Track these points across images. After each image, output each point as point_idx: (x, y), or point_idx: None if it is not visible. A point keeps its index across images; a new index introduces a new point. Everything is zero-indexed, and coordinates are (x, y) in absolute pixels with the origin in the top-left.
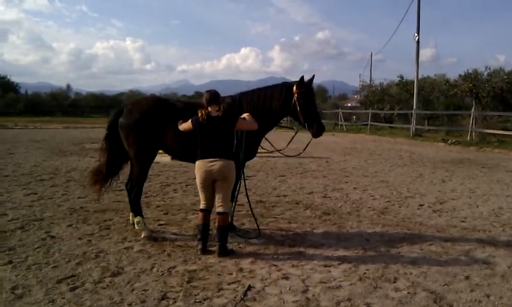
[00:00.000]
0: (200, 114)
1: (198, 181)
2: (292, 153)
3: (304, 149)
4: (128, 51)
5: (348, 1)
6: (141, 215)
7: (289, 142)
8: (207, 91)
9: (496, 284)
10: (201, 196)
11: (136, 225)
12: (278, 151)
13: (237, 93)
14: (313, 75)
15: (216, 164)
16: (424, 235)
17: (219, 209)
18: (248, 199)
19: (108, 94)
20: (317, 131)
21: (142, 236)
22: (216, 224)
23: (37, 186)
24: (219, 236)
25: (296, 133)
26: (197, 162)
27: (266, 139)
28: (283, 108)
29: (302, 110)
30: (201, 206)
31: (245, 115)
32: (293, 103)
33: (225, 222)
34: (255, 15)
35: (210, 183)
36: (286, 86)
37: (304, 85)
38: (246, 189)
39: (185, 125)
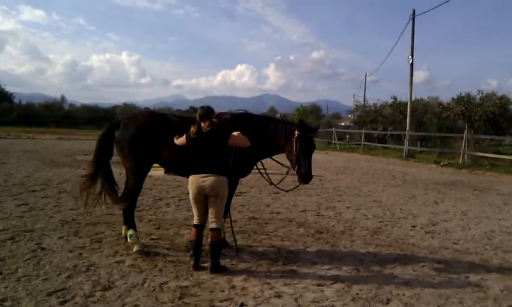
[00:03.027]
0: (191, 129)
1: (190, 196)
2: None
3: (292, 189)
4: (124, 65)
5: (343, 22)
6: (134, 229)
7: (281, 180)
8: (201, 107)
9: None
10: (194, 211)
11: (128, 238)
12: (271, 183)
13: (238, 110)
14: (319, 124)
15: (207, 180)
16: (417, 256)
17: (212, 225)
18: (230, 212)
19: (102, 107)
20: (302, 177)
21: (134, 249)
22: (209, 240)
23: (28, 197)
24: (212, 252)
25: (287, 173)
26: (190, 177)
27: (262, 164)
28: (283, 147)
29: (296, 152)
30: (195, 221)
31: (236, 133)
32: (291, 144)
33: (218, 238)
34: (251, 34)
35: (203, 199)
36: (290, 127)
37: (306, 130)
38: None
39: (179, 140)
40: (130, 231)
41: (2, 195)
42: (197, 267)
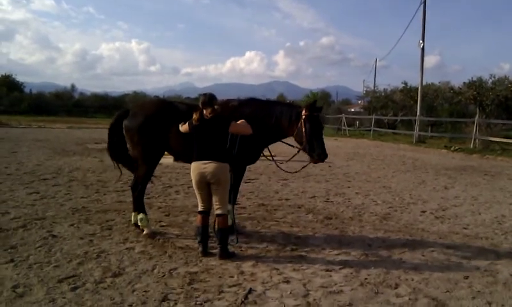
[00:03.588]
0: (194, 117)
1: (193, 182)
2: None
3: (301, 169)
4: (134, 53)
5: (353, 8)
6: (145, 213)
7: (290, 159)
8: (203, 94)
9: (498, 291)
10: (198, 198)
11: (139, 221)
12: (277, 166)
13: (246, 97)
14: (323, 105)
15: (208, 167)
16: (426, 241)
17: (217, 211)
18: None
19: (112, 95)
20: (319, 156)
21: (144, 232)
22: (215, 226)
23: (40, 185)
24: (219, 238)
25: (298, 152)
26: (192, 164)
27: (269, 150)
28: (290, 130)
29: (306, 133)
30: (199, 208)
31: (240, 121)
32: (299, 126)
33: (224, 224)
34: (261, 20)
35: (205, 185)
36: (296, 109)
37: (314, 109)
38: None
39: (183, 127)
40: (141, 215)
41: (13, 183)
42: (205, 253)
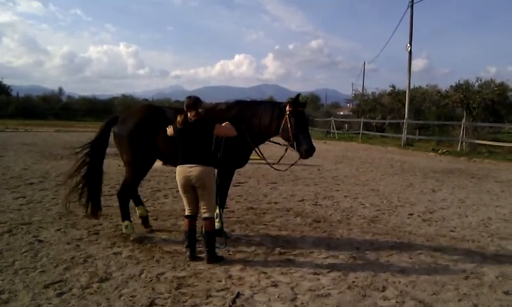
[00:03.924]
0: (178, 119)
1: (178, 186)
2: (280, 164)
3: (290, 166)
4: (122, 56)
5: (341, 10)
6: (129, 220)
7: (280, 159)
8: (188, 97)
9: (484, 294)
10: (184, 202)
11: (124, 229)
12: (268, 163)
13: (233, 100)
14: (307, 98)
15: (193, 170)
16: (414, 244)
17: (204, 215)
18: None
19: (101, 99)
20: (306, 152)
21: (131, 239)
22: (202, 229)
23: (26, 189)
24: (206, 242)
25: (286, 150)
26: (177, 168)
27: (257, 151)
28: (276, 127)
29: (292, 129)
30: (186, 212)
31: (224, 123)
32: (284, 122)
33: (211, 227)
34: (249, 22)
35: (190, 188)
36: (279, 106)
37: (298, 104)
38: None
39: (169, 130)
40: (126, 222)
41: None
42: (193, 258)
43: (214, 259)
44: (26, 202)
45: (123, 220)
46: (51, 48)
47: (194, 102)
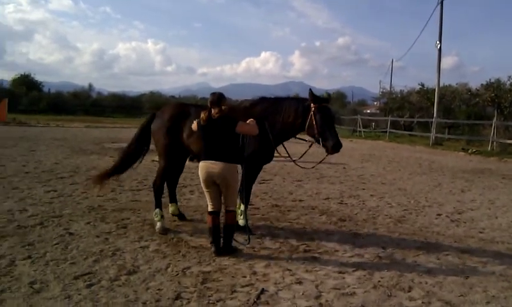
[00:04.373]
0: (201, 116)
1: (201, 181)
2: (307, 162)
3: (317, 164)
4: (150, 53)
5: (369, 8)
6: (160, 208)
7: (303, 155)
8: (212, 93)
9: None
10: (207, 198)
11: (154, 216)
12: (292, 160)
13: (257, 97)
14: (328, 95)
15: (216, 167)
16: (441, 244)
17: (227, 208)
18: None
19: (129, 95)
20: (333, 147)
21: (156, 227)
22: (223, 221)
23: (57, 183)
24: (225, 233)
25: (310, 146)
26: (200, 163)
27: (281, 148)
28: (301, 123)
29: (318, 125)
30: (209, 208)
31: (249, 120)
32: (309, 119)
33: (232, 220)
34: (276, 19)
35: (212, 184)
36: (303, 102)
37: (321, 100)
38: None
39: (193, 126)
40: (156, 210)
41: (32, 181)
42: (218, 253)
43: (228, 250)
44: (57, 195)
45: (155, 208)
46: (81, 45)
47: (217, 98)
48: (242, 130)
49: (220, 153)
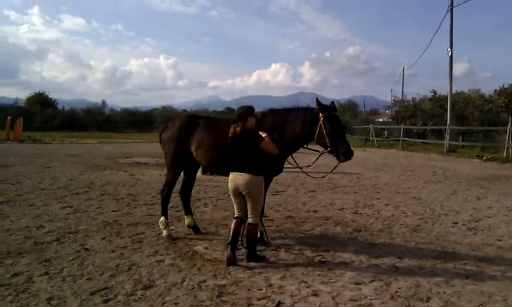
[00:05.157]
0: (231, 129)
1: (230, 191)
2: (319, 172)
3: (328, 173)
4: (162, 68)
5: (379, 17)
6: (166, 217)
7: (313, 162)
8: (240, 107)
9: None
10: (235, 206)
11: (159, 224)
12: (302, 170)
13: (267, 108)
14: (334, 102)
15: (241, 178)
16: (458, 253)
17: (249, 220)
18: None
19: (142, 110)
20: (344, 155)
21: (163, 234)
22: (245, 232)
23: (72, 199)
24: (247, 243)
25: (320, 155)
26: (230, 174)
27: (292, 158)
28: (308, 133)
29: (328, 134)
30: (235, 214)
31: (264, 135)
32: (319, 128)
33: (253, 232)
34: (285, 32)
35: (239, 195)
36: (311, 112)
37: (329, 109)
38: None
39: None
40: (162, 218)
41: (47, 198)
42: (231, 257)
43: (254, 258)
44: (73, 211)
45: (161, 215)
46: (94, 62)
47: (244, 112)
48: (264, 148)
49: (245, 164)
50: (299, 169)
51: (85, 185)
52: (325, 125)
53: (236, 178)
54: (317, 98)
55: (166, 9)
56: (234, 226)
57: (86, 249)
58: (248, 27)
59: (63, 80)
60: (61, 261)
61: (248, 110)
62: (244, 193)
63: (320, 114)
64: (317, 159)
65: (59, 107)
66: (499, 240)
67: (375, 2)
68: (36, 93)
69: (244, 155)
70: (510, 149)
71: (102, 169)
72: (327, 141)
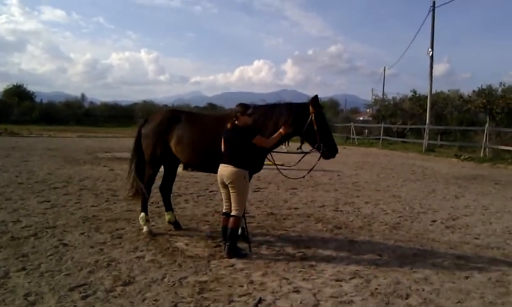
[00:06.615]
0: (229, 124)
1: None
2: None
3: (308, 173)
4: (143, 62)
5: (361, 15)
6: (146, 213)
7: (297, 162)
8: (238, 104)
9: (510, 302)
10: (223, 197)
11: (139, 219)
12: (280, 171)
13: (252, 104)
14: (316, 95)
15: (226, 170)
16: (437, 251)
17: (232, 212)
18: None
19: (122, 105)
20: (333, 153)
21: (143, 230)
22: (227, 225)
23: (50, 194)
24: (228, 236)
25: (305, 154)
26: (220, 165)
27: (270, 158)
28: (295, 128)
29: (319, 131)
30: (223, 209)
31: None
32: (309, 123)
33: (235, 224)
34: (269, 29)
35: (224, 186)
36: (302, 105)
37: (319, 106)
38: None
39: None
40: (142, 214)
41: (25, 192)
42: (228, 251)
43: (233, 253)
44: (51, 206)
45: (141, 211)
46: (74, 55)
47: (238, 109)
48: (256, 142)
49: (231, 157)
50: (281, 167)
51: (63, 180)
52: (316, 121)
53: (222, 170)
54: (316, 96)
55: (148, 2)
56: (223, 223)
57: (65, 245)
58: (231, 23)
59: (42, 73)
60: (39, 257)
61: (244, 108)
62: (227, 184)
63: (311, 109)
64: (300, 160)
65: (38, 99)
66: (476, 238)
67: (358, 0)
68: (13, 85)
69: (232, 149)
70: (487, 149)
71: (81, 164)
72: (317, 137)
